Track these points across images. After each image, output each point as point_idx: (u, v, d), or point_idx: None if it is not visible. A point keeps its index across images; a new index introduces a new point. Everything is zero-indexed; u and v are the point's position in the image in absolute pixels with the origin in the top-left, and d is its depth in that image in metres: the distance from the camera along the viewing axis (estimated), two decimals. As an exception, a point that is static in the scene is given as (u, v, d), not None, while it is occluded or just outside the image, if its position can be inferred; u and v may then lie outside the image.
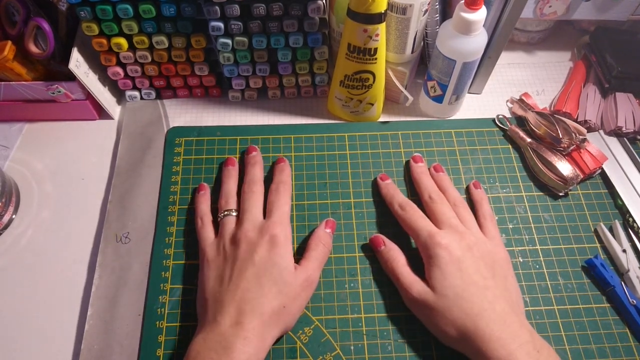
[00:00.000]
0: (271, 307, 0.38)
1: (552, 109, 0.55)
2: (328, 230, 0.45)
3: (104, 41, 0.49)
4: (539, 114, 0.52)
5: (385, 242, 0.45)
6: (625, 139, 0.52)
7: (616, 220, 0.47)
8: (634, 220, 0.47)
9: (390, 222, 0.47)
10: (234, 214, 0.45)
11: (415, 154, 0.51)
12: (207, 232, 0.45)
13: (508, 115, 0.55)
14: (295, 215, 0.48)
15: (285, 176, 0.48)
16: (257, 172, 0.48)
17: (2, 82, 0.49)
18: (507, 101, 0.56)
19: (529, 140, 0.51)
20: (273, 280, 0.39)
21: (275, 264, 0.40)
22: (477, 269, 0.40)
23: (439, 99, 0.52)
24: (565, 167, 0.49)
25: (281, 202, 0.45)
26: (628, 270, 0.44)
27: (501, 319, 0.37)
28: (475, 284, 0.39)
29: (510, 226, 0.48)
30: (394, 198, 0.47)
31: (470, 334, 0.37)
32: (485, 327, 0.37)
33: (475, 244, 0.42)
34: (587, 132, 0.52)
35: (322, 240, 0.44)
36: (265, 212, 0.45)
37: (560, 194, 0.49)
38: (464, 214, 0.45)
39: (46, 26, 0.47)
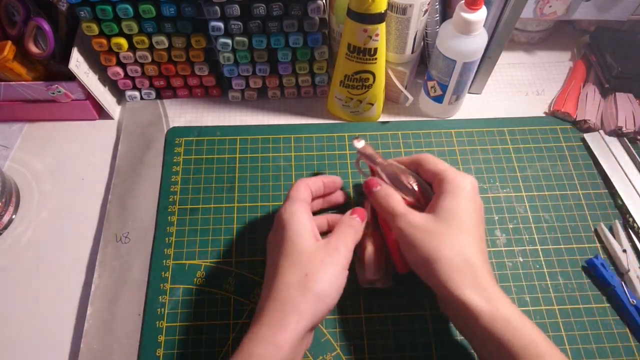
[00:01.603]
0: (288, 281, 0.35)
1: (551, 109, 0.55)
2: (355, 216, 0.41)
3: (104, 41, 0.49)
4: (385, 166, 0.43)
5: (381, 183, 0.42)
6: (625, 139, 0.52)
7: (616, 220, 0.47)
8: (634, 220, 0.47)
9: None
10: None
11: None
12: None
13: (507, 115, 0.55)
14: (295, 215, 0.48)
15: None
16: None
17: (2, 82, 0.49)
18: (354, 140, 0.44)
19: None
20: (285, 254, 0.37)
21: (286, 236, 0.37)
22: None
23: (439, 99, 0.52)
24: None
25: None
26: (628, 270, 0.44)
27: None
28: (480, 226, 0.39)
29: (511, 226, 0.48)
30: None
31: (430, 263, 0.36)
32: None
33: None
34: (587, 132, 0.53)
35: (351, 223, 0.40)
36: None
37: None
38: None
39: (46, 26, 0.47)
